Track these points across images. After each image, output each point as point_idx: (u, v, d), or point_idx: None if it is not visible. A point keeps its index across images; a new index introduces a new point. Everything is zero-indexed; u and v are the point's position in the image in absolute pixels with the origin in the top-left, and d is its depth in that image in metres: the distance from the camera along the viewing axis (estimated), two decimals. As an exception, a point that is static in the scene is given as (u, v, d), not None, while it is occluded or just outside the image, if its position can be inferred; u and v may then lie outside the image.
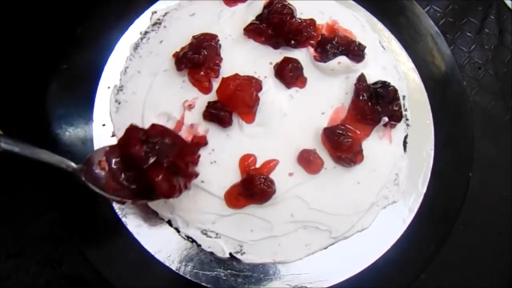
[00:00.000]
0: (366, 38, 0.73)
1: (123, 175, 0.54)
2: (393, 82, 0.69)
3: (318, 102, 0.68)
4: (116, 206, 0.62)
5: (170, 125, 0.64)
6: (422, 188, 0.68)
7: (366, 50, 0.70)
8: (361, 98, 0.66)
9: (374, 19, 0.77)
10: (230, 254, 0.61)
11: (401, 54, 0.76)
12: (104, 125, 0.66)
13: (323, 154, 0.64)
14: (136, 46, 0.70)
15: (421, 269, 0.64)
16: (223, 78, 0.64)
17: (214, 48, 0.67)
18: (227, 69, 0.66)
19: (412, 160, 0.69)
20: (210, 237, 0.62)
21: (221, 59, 0.67)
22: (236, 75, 0.64)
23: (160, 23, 0.72)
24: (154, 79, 0.67)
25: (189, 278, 0.60)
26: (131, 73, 0.68)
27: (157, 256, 0.60)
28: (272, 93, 0.66)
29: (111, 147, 0.55)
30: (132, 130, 0.54)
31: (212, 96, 0.65)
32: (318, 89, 0.68)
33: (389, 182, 0.66)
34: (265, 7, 0.69)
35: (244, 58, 0.69)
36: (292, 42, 0.69)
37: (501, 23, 0.94)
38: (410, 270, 0.64)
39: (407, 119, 0.71)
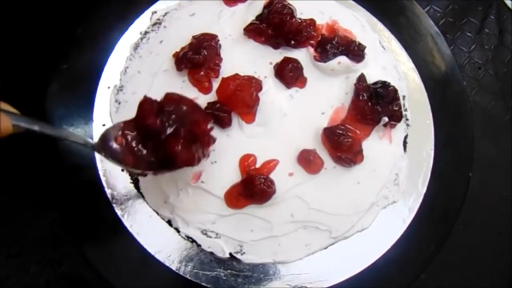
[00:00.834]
0: (366, 38, 0.73)
1: (141, 148, 0.54)
2: (393, 82, 0.69)
3: (318, 102, 0.68)
4: (116, 206, 0.62)
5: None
6: (422, 188, 0.68)
7: (366, 50, 0.70)
8: (361, 98, 0.66)
9: (374, 19, 0.77)
10: (230, 254, 0.61)
11: (401, 54, 0.76)
12: (104, 125, 0.66)
13: (323, 154, 0.64)
14: (136, 46, 0.70)
15: (421, 269, 0.64)
16: (223, 78, 0.64)
17: (214, 48, 0.67)
18: (227, 69, 0.66)
19: (412, 160, 0.69)
20: (210, 237, 0.62)
21: (221, 59, 0.67)
22: (236, 75, 0.64)
23: (160, 23, 0.72)
24: (154, 79, 0.67)
25: (189, 278, 0.60)
26: (131, 73, 0.68)
27: (157, 256, 0.60)
28: (272, 93, 0.66)
29: (126, 122, 0.55)
30: (146, 102, 0.53)
31: (212, 96, 0.65)
32: (318, 89, 0.68)
33: (389, 182, 0.66)
34: (265, 7, 0.69)
35: (244, 58, 0.69)
36: (292, 42, 0.69)
37: (501, 23, 0.94)
38: (410, 270, 0.64)
39: (407, 119, 0.71)
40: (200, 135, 0.55)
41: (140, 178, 0.64)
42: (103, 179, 0.63)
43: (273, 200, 0.61)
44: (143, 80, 0.67)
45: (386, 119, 0.66)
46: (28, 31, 0.77)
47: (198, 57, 0.65)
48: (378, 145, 0.67)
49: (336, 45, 0.69)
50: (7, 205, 0.70)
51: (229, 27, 0.71)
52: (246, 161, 0.63)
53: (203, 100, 0.65)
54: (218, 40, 0.68)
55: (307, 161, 0.63)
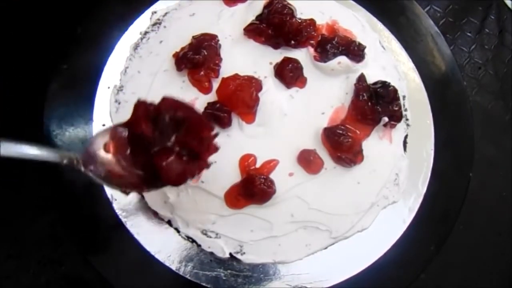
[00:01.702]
0: (366, 38, 0.73)
1: (129, 159, 0.49)
2: (393, 82, 0.69)
3: (318, 102, 0.68)
4: (116, 206, 0.62)
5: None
6: (422, 188, 0.68)
7: (366, 50, 0.70)
8: (361, 98, 0.66)
9: (374, 19, 0.77)
10: (230, 254, 0.61)
11: (401, 54, 0.76)
12: (104, 125, 0.66)
13: (323, 154, 0.64)
14: (136, 46, 0.70)
15: (421, 269, 0.64)
16: (223, 78, 0.64)
17: (214, 48, 0.67)
18: (227, 69, 0.66)
19: (412, 160, 0.69)
20: (210, 237, 0.62)
21: (221, 59, 0.67)
22: (236, 75, 0.64)
23: (160, 23, 0.72)
24: (154, 79, 0.67)
25: (189, 278, 0.60)
26: (131, 73, 0.68)
27: (157, 256, 0.60)
28: (272, 93, 0.66)
29: (118, 126, 0.50)
30: (141, 107, 0.47)
31: (212, 96, 0.65)
32: (318, 89, 0.68)
33: (389, 182, 0.66)
34: (265, 7, 0.69)
35: (244, 58, 0.69)
36: (292, 42, 0.69)
37: (501, 23, 0.94)
38: (410, 270, 0.64)
39: (407, 119, 0.71)
40: (196, 147, 0.49)
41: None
42: (103, 179, 0.63)
43: (273, 200, 0.61)
44: (143, 80, 0.67)
45: (386, 119, 0.66)
46: (28, 31, 0.77)
47: (198, 57, 0.65)
48: (378, 145, 0.67)
49: (336, 45, 0.69)
50: (7, 205, 0.69)
51: (229, 27, 0.71)
52: (246, 161, 0.63)
53: (203, 100, 0.65)
54: (218, 40, 0.68)
55: (307, 161, 0.63)
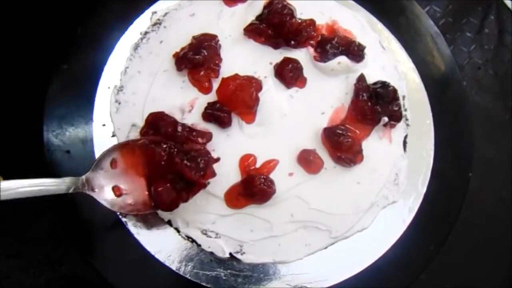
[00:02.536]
0: (366, 38, 0.73)
1: (137, 176, 0.54)
2: (393, 82, 0.69)
3: (318, 102, 0.68)
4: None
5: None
6: (422, 188, 0.68)
7: (366, 50, 0.70)
8: (361, 98, 0.66)
9: (374, 19, 0.77)
10: (230, 254, 0.61)
11: (401, 54, 0.76)
12: (104, 125, 0.66)
13: (323, 154, 0.64)
14: (136, 46, 0.70)
15: (421, 269, 0.64)
16: (223, 78, 0.65)
17: (214, 48, 0.67)
18: (227, 69, 0.66)
19: (412, 160, 0.69)
20: (210, 237, 0.62)
21: (221, 59, 0.67)
22: (236, 75, 0.64)
23: (160, 23, 0.72)
24: (154, 79, 0.67)
25: (189, 278, 0.60)
26: (131, 73, 0.68)
27: (157, 256, 0.60)
28: (272, 93, 0.66)
29: (126, 146, 0.55)
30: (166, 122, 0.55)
31: (212, 96, 0.65)
32: (318, 89, 0.68)
33: (389, 182, 0.66)
34: (265, 7, 0.69)
35: (244, 58, 0.69)
36: (292, 42, 0.69)
37: (501, 23, 0.94)
38: (410, 270, 0.64)
39: (407, 119, 0.71)
40: (187, 173, 0.54)
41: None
42: (103, 179, 0.63)
43: (273, 200, 0.61)
44: (143, 80, 0.67)
45: (386, 119, 0.66)
46: (28, 31, 0.77)
47: (198, 57, 0.65)
48: (378, 145, 0.67)
49: (336, 45, 0.69)
50: (7, 205, 0.69)
51: (229, 27, 0.71)
52: (246, 161, 0.63)
53: (203, 100, 0.65)
54: (218, 40, 0.68)
55: (307, 161, 0.63)
